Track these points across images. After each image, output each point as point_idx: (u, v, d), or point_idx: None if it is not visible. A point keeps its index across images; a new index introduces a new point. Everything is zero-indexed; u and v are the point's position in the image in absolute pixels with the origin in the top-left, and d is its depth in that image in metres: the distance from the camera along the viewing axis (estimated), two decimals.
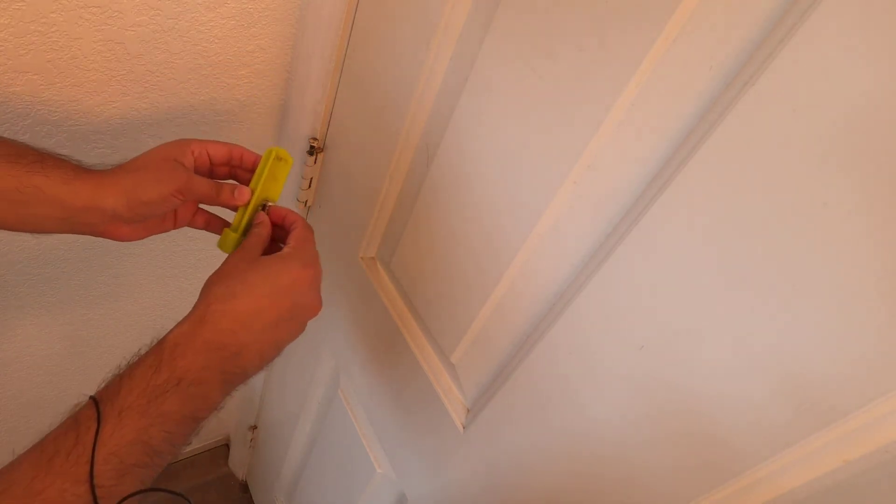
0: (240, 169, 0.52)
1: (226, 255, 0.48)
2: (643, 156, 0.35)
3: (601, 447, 0.42)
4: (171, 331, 0.41)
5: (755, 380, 0.32)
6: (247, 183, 0.51)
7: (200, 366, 0.39)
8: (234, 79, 0.66)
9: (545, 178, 0.41)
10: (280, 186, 0.52)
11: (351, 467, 0.84)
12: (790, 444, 0.31)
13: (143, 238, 0.49)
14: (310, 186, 0.76)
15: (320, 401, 0.92)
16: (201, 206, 0.53)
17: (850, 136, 0.25)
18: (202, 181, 0.48)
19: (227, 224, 0.52)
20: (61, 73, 0.55)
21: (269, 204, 0.51)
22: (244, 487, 1.43)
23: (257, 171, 0.51)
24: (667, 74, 0.32)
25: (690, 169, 0.32)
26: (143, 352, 0.40)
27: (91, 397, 0.37)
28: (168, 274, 0.87)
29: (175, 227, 0.52)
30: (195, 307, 0.42)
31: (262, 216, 0.50)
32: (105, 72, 0.57)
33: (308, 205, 0.79)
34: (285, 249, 0.46)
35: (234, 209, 0.51)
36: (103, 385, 0.39)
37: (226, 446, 1.46)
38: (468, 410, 0.56)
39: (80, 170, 0.43)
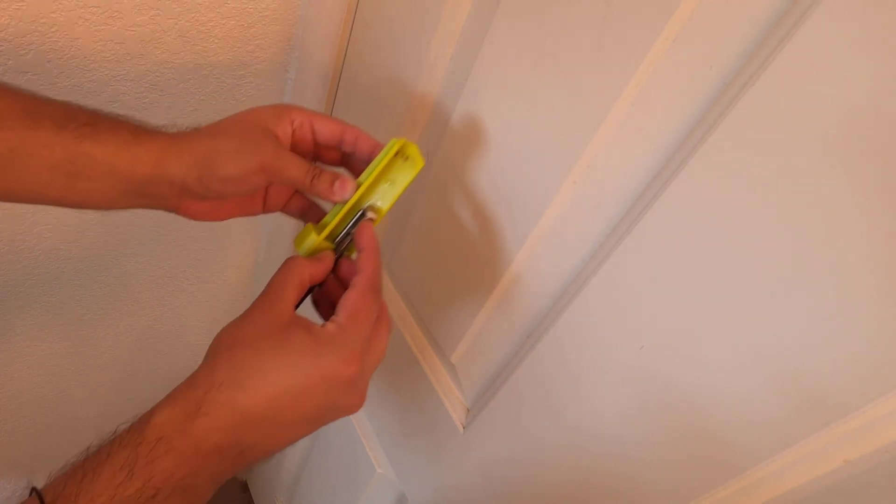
0: (355, 158, 0.41)
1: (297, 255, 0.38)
2: (643, 156, 0.35)
3: (601, 446, 0.42)
4: (157, 411, 0.31)
5: (755, 379, 0.32)
6: (360, 175, 0.39)
7: (187, 472, 0.30)
8: (234, 79, 0.66)
9: (545, 177, 0.41)
10: (397, 193, 0.39)
11: (351, 467, 0.84)
12: (790, 444, 0.31)
13: (224, 219, 0.40)
14: None
15: None
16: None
17: (849, 135, 0.25)
18: (295, 161, 0.37)
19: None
20: (61, 74, 0.55)
21: (371, 217, 0.39)
22: (244, 487, 1.43)
23: (371, 164, 0.39)
24: (667, 74, 0.32)
25: (690, 169, 0.32)
26: (119, 431, 0.31)
27: (39, 497, 0.28)
28: (168, 274, 0.87)
29: (264, 210, 0.42)
30: (193, 381, 0.32)
31: (326, 256, 0.38)
32: (105, 72, 0.57)
33: None
34: (329, 326, 0.34)
35: (333, 204, 0.39)
36: (58, 477, 0.30)
37: None
38: (468, 410, 0.56)
39: (141, 132, 0.36)
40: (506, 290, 0.48)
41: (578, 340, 0.41)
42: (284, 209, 0.43)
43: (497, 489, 0.54)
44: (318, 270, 0.37)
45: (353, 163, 0.41)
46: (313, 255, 0.38)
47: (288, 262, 0.36)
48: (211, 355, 0.33)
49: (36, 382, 0.92)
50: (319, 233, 0.38)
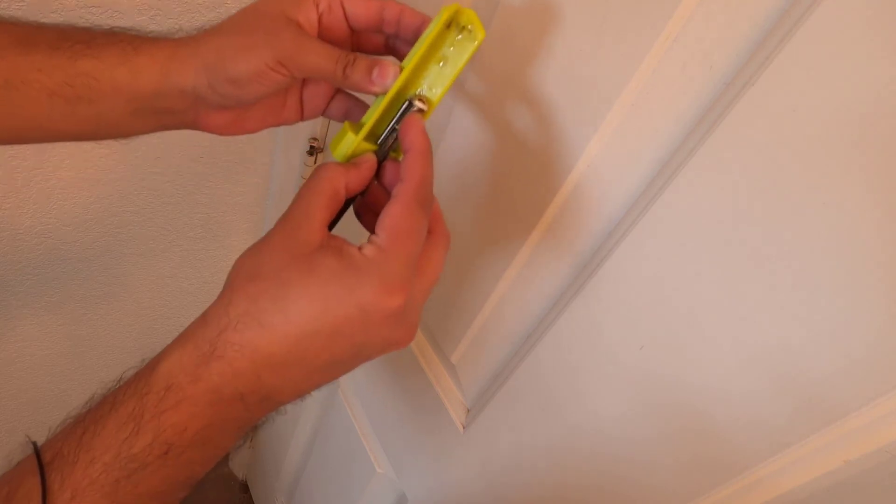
0: (401, 41, 0.34)
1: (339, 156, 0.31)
2: (643, 156, 0.35)
3: (601, 446, 0.42)
4: (166, 355, 0.27)
5: (755, 380, 0.32)
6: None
7: (202, 424, 0.27)
8: None
9: (545, 178, 0.41)
10: (453, 76, 0.32)
11: (351, 467, 0.84)
12: (790, 444, 0.31)
13: (254, 131, 0.35)
14: None
15: (320, 401, 0.92)
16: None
17: (850, 135, 0.25)
18: (320, 48, 0.31)
19: None
20: None
21: (420, 108, 0.32)
22: (244, 487, 1.43)
23: (421, 39, 0.31)
24: (667, 74, 0.32)
25: (690, 169, 0.32)
26: (125, 378, 0.28)
27: (36, 455, 0.26)
28: (168, 274, 0.87)
29: (303, 117, 0.36)
30: (205, 319, 0.28)
31: (367, 159, 0.32)
32: None
33: None
34: (367, 248, 0.28)
35: (375, 96, 0.32)
36: (58, 432, 0.27)
37: None
38: (468, 410, 0.56)
39: (142, 41, 0.31)
40: (506, 289, 0.48)
41: (578, 340, 0.41)
42: (326, 113, 0.37)
43: (497, 489, 0.54)
44: (356, 178, 0.31)
45: (400, 46, 0.35)
46: (352, 159, 0.32)
47: (318, 171, 0.30)
48: (228, 287, 0.28)
49: (36, 382, 0.92)
50: (358, 132, 0.32)
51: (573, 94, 0.37)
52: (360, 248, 0.28)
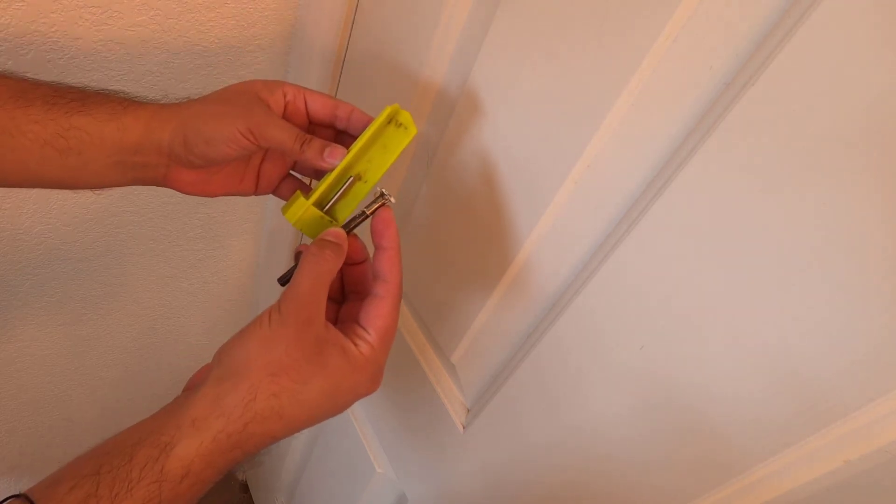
0: (348, 136, 0.40)
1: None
2: (643, 156, 0.35)
3: (601, 447, 0.42)
4: (182, 441, 0.29)
5: (755, 379, 0.32)
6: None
7: (204, 486, 0.30)
8: (234, 79, 0.66)
9: (545, 177, 0.41)
10: (390, 160, 0.38)
11: (351, 467, 0.84)
12: (790, 444, 0.31)
13: (214, 195, 0.40)
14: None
15: None
16: (294, 173, 0.42)
17: (850, 135, 0.25)
18: (283, 126, 0.36)
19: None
20: (61, 74, 0.55)
21: (391, 201, 0.37)
22: (244, 487, 1.43)
23: (365, 132, 0.38)
24: (667, 74, 0.32)
25: (690, 169, 0.32)
26: (130, 445, 0.29)
27: None
28: (168, 274, 0.87)
29: (256, 191, 0.41)
30: (223, 408, 0.31)
31: (337, 232, 0.36)
32: (105, 72, 0.57)
33: None
34: (363, 348, 0.34)
35: (323, 173, 0.39)
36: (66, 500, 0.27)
37: None
38: (468, 410, 0.56)
39: (130, 103, 0.36)
40: (506, 290, 0.48)
41: (578, 340, 0.41)
42: (277, 191, 0.42)
43: (497, 489, 0.54)
44: (338, 263, 0.35)
45: (347, 140, 0.40)
46: (302, 222, 0.38)
47: (322, 260, 0.34)
48: (244, 376, 0.31)
49: (36, 382, 0.92)
50: (308, 198, 0.38)
51: (573, 94, 0.37)
52: (357, 347, 0.34)
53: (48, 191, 0.65)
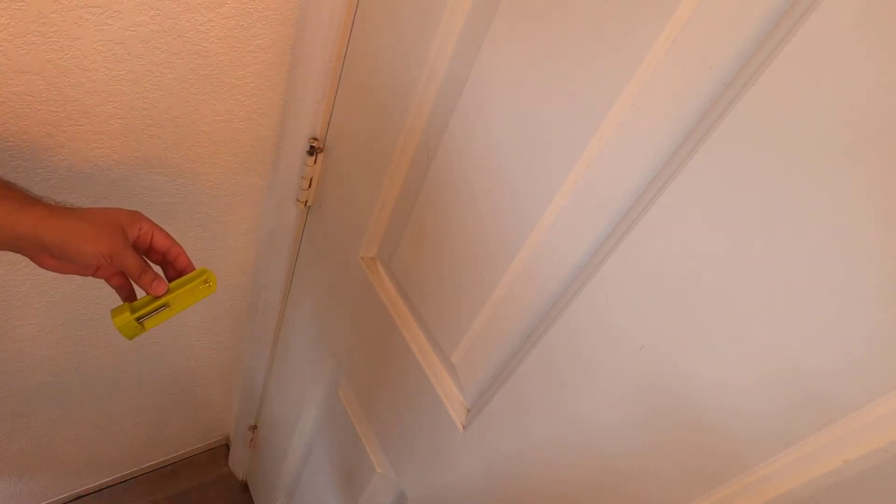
0: (170, 266, 0.56)
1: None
2: (643, 156, 0.35)
3: (601, 446, 0.42)
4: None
5: (756, 379, 0.32)
6: (170, 279, 0.55)
7: None
8: (234, 79, 0.66)
9: (545, 177, 0.41)
10: (190, 303, 0.56)
11: (351, 467, 0.84)
12: (791, 444, 0.31)
13: (65, 274, 0.54)
14: (310, 186, 0.76)
15: (320, 401, 0.92)
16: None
17: (849, 135, 0.25)
18: (133, 258, 0.51)
19: (135, 298, 0.55)
20: (61, 74, 0.55)
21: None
22: (244, 487, 1.43)
23: (185, 278, 0.55)
24: (667, 74, 0.32)
25: (689, 170, 0.32)
26: None
27: None
28: None
29: (94, 275, 0.56)
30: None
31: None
32: (105, 72, 0.57)
33: (308, 204, 0.79)
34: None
35: (146, 293, 0.54)
36: None
37: (226, 446, 1.46)
38: (468, 410, 0.56)
39: (27, 201, 0.47)
40: (506, 290, 0.48)
41: (578, 340, 0.41)
42: (108, 279, 0.56)
43: (497, 489, 0.54)
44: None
45: (168, 268, 0.57)
46: (124, 327, 0.53)
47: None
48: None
49: (36, 382, 0.92)
50: (132, 313, 0.53)
51: (573, 94, 0.37)
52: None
53: (48, 191, 0.65)
